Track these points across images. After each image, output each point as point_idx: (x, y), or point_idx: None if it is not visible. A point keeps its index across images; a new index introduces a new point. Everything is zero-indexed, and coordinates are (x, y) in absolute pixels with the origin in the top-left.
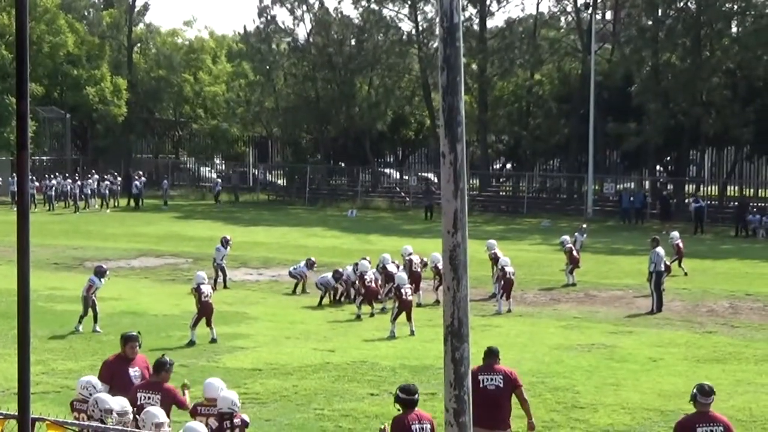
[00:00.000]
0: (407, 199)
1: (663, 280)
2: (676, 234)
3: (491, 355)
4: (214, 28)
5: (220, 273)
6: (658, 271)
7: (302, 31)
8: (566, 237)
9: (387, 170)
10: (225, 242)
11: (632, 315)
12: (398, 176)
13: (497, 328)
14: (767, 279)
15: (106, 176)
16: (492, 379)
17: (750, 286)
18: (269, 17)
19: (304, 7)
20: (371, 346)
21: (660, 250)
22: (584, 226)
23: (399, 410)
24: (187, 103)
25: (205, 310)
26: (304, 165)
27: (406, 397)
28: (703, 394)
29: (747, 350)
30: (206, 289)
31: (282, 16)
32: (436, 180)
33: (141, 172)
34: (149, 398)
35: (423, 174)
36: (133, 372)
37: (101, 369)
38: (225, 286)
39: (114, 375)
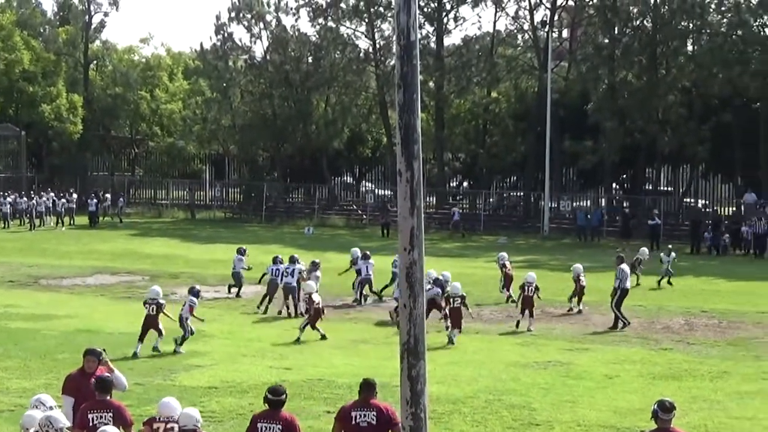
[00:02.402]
0: (364, 216)
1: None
2: (645, 250)
3: (367, 388)
4: (171, 45)
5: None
6: (624, 288)
7: (259, 49)
8: (578, 266)
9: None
10: (242, 252)
11: (588, 332)
12: (356, 193)
13: (454, 346)
14: (722, 296)
15: (61, 194)
16: (365, 415)
17: (705, 302)
18: (226, 34)
19: (261, 25)
20: (327, 363)
21: (626, 267)
22: (670, 246)
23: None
24: (144, 121)
25: (316, 316)
26: (260, 183)
27: (273, 398)
28: (664, 410)
29: (702, 367)
30: (317, 297)
31: (239, 33)
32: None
33: (99, 190)
34: (101, 417)
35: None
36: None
37: (65, 382)
38: (237, 295)
39: (79, 388)
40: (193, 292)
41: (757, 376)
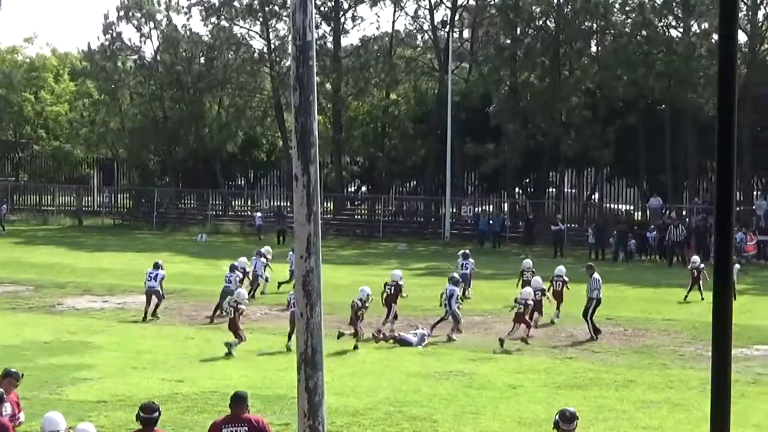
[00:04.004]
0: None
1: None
2: (528, 263)
3: (238, 402)
4: (57, 45)
5: (259, 281)
6: (599, 298)
7: (149, 49)
8: (527, 261)
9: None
10: (260, 254)
11: (491, 341)
12: (251, 199)
13: (353, 356)
14: (628, 303)
15: None
16: (236, 431)
17: (611, 310)
18: (114, 34)
19: (152, 24)
20: (222, 375)
21: (598, 276)
22: (735, 257)
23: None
24: (28, 124)
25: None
26: (151, 188)
27: (145, 416)
28: (565, 420)
29: (608, 376)
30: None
31: (128, 32)
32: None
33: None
34: None
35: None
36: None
37: None
38: (252, 296)
39: None
40: (241, 296)
41: (663, 384)
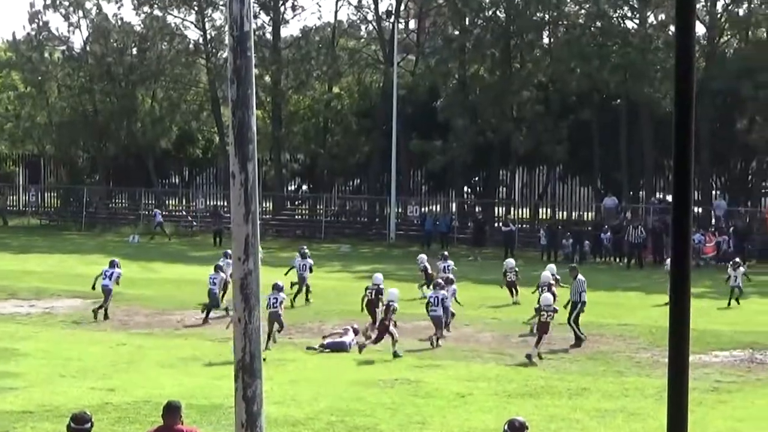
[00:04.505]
0: (194, 223)
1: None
2: (511, 262)
3: (171, 412)
4: None
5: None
6: (583, 301)
7: (78, 39)
8: (510, 260)
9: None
10: (227, 255)
11: (439, 347)
12: (185, 198)
13: (293, 363)
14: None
15: None
16: None
17: (564, 314)
18: (41, 23)
19: (81, 13)
20: (155, 383)
21: (582, 278)
22: (737, 260)
23: None
24: None
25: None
26: (80, 186)
27: (75, 427)
28: (514, 430)
29: (560, 384)
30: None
31: (56, 22)
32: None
33: None
34: None
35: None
36: None
37: None
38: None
39: None
40: (278, 287)
41: (619, 392)
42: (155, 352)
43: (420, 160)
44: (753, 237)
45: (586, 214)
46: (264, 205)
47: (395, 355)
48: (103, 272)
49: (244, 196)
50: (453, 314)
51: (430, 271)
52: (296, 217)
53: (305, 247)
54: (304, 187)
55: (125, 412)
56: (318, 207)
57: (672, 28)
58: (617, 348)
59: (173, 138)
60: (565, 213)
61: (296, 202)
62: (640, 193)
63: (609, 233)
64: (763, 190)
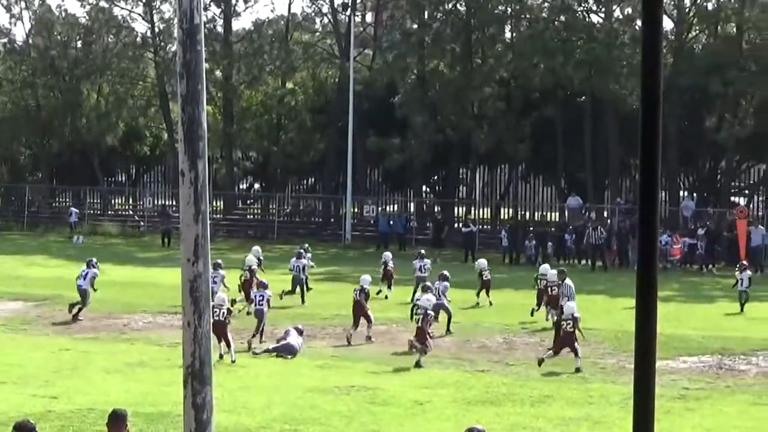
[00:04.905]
0: (141, 223)
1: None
2: (483, 262)
3: (117, 420)
4: None
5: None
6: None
7: (20, 31)
8: (482, 260)
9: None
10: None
11: (397, 353)
12: (132, 197)
13: (244, 369)
14: (544, 311)
15: None
16: None
17: (526, 319)
18: None
19: (23, 4)
20: (100, 390)
21: (570, 282)
22: (745, 262)
23: None
24: None
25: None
26: (22, 184)
27: None
28: None
29: (522, 391)
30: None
31: None
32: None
33: None
34: None
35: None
36: None
37: None
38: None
39: None
40: (264, 285)
41: (583, 400)
42: (101, 357)
43: (377, 158)
44: (723, 239)
45: (549, 214)
46: (214, 204)
47: (417, 365)
48: (81, 273)
49: (193, 195)
50: (448, 312)
51: (389, 267)
52: (248, 217)
53: (305, 246)
54: (257, 186)
55: (69, 421)
56: (271, 206)
57: (638, 22)
58: (581, 353)
59: (120, 134)
60: (527, 213)
61: (248, 202)
62: (605, 192)
63: (573, 234)
64: (732, 191)
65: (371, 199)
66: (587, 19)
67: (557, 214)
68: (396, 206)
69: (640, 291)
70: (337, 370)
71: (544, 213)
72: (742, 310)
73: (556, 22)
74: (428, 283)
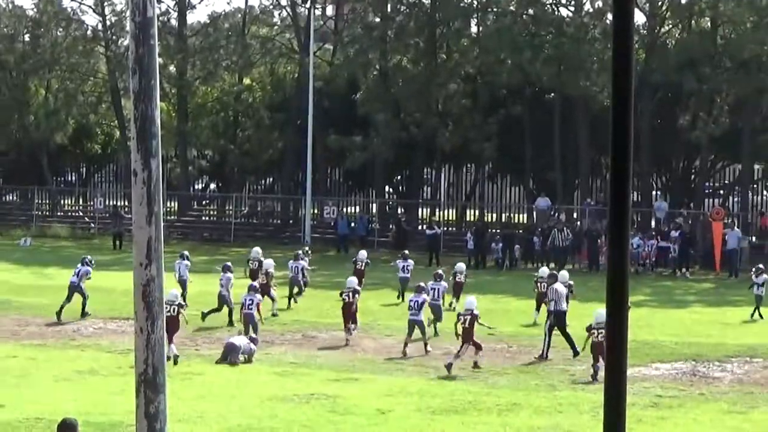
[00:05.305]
0: (92, 224)
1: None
2: (461, 266)
3: (66, 430)
4: None
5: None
6: (558, 310)
7: None
8: (460, 264)
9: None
10: (183, 257)
11: (357, 359)
12: (83, 197)
13: (200, 376)
14: (511, 315)
15: None
16: None
17: (493, 324)
18: None
19: None
20: (49, 399)
21: (559, 286)
22: (761, 266)
23: None
24: None
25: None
26: None
27: None
28: None
29: (488, 399)
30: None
31: None
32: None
33: None
34: None
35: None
36: None
37: None
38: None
39: None
40: (254, 288)
41: (551, 408)
42: (49, 364)
43: (338, 157)
44: (697, 241)
45: (517, 216)
46: (168, 205)
47: (475, 365)
48: (74, 270)
49: (146, 196)
50: (440, 315)
51: (360, 267)
52: (203, 218)
53: (304, 249)
54: (213, 186)
55: (16, 430)
56: (227, 207)
57: (609, 16)
58: (550, 360)
59: (69, 132)
60: (494, 215)
61: (203, 203)
62: (575, 193)
63: (540, 236)
64: (706, 191)
65: (332, 200)
66: (556, 13)
67: (525, 215)
68: (357, 207)
69: (611, 295)
70: (296, 377)
71: (512, 214)
72: (761, 316)
73: (524, 16)
74: (422, 284)
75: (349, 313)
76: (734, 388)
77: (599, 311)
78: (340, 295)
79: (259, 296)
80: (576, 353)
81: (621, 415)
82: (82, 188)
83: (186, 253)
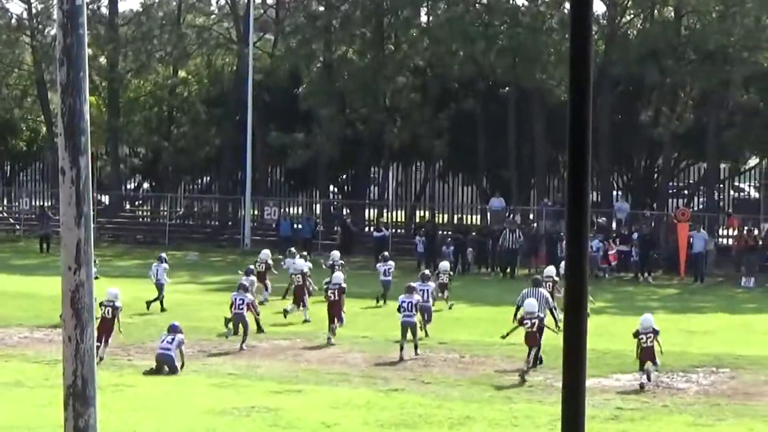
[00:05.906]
0: (17, 226)
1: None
2: (445, 264)
3: None
4: None
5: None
6: (540, 317)
7: None
8: (444, 263)
9: None
10: (161, 260)
11: (301, 370)
12: (7, 197)
13: (132, 388)
14: (465, 324)
15: None
16: None
17: (444, 332)
18: None
19: None
20: None
21: (545, 291)
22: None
23: None
24: None
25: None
26: None
27: None
28: None
29: (440, 411)
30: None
31: None
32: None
33: None
34: None
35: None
36: None
37: None
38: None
39: None
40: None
41: (507, 421)
42: None
43: (279, 155)
44: (660, 244)
45: (469, 217)
46: (98, 205)
47: (540, 361)
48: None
49: (75, 196)
50: (429, 316)
51: (337, 267)
52: (137, 219)
53: (303, 253)
54: (146, 185)
55: None
56: (162, 208)
57: (567, 5)
58: (505, 370)
59: None
60: (445, 216)
61: (136, 203)
62: (531, 192)
63: (494, 239)
64: (670, 191)
65: (273, 201)
66: (511, 2)
67: (479, 216)
68: (300, 208)
69: (569, 302)
70: (235, 389)
71: (464, 215)
72: None
73: (477, 5)
74: (413, 284)
75: (334, 312)
76: (700, 399)
77: (646, 316)
78: (325, 292)
79: (249, 296)
80: (540, 362)
81: (580, 428)
82: (6, 188)
83: (164, 255)
